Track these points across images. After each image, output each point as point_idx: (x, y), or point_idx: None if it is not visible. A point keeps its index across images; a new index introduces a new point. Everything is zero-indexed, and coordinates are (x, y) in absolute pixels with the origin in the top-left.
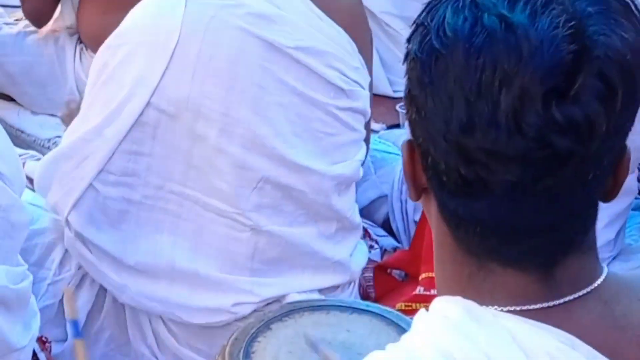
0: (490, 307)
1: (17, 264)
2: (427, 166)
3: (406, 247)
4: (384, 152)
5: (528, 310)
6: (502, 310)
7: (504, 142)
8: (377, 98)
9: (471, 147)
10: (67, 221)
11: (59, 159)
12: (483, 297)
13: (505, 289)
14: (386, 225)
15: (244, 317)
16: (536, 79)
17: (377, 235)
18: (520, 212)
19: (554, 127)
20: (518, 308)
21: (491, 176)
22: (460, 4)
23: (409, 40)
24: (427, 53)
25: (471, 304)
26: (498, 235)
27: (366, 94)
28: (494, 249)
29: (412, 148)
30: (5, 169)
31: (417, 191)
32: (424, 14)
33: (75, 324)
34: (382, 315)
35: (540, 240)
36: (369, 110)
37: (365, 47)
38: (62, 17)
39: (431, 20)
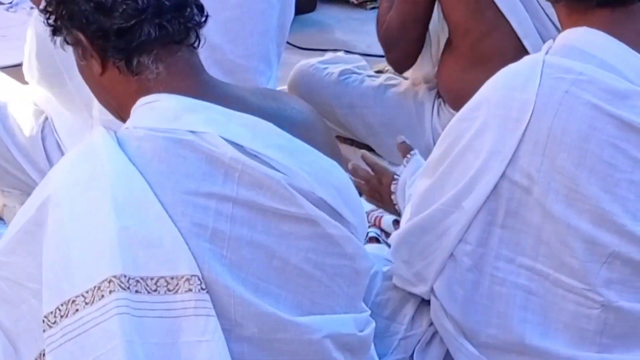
0: None
1: (361, 310)
2: None
3: None
4: None
5: None
6: None
7: None
8: None
9: None
10: (432, 290)
11: (418, 231)
12: None
13: None
14: None
15: None
16: None
17: None
18: None
19: None
20: None
21: None
22: None
23: None
24: None
25: None
26: None
27: None
28: None
29: None
30: (352, 219)
31: None
32: None
33: None
34: None
35: None
36: None
37: None
38: (420, 66)
39: None
